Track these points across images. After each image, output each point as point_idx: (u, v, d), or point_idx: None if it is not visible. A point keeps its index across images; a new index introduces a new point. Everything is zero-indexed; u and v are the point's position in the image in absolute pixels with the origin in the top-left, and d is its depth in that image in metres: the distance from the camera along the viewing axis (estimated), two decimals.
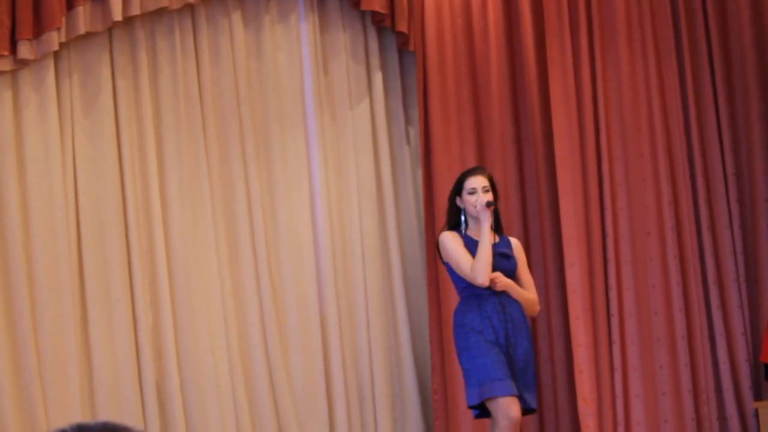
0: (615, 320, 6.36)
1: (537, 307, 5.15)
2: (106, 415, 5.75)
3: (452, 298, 6.38)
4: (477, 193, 4.98)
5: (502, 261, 4.99)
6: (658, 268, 6.43)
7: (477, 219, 5.00)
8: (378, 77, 6.65)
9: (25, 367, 5.59)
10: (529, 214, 6.60)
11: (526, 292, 5.05)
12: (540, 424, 6.47)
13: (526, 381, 4.91)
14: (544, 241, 6.52)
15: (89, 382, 5.79)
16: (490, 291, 4.93)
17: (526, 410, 4.93)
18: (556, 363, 6.46)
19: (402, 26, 6.56)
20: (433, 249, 6.43)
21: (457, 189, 5.06)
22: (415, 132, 6.79)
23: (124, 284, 5.89)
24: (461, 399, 6.32)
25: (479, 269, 4.87)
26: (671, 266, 6.42)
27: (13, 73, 5.74)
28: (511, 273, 5.03)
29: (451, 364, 6.33)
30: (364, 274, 6.47)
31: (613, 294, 6.38)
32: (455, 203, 5.07)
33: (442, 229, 5.13)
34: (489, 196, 4.96)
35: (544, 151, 6.57)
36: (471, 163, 6.55)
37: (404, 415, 6.46)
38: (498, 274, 4.91)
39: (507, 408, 4.75)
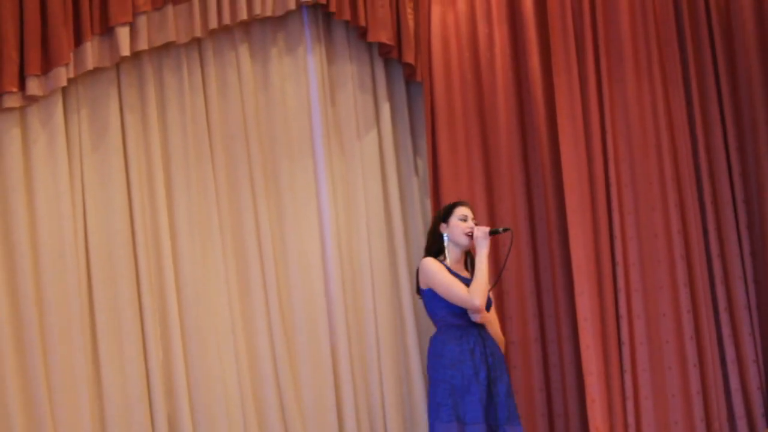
0: (626, 348, 6.34)
1: (503, 348, 5.21)
2: None
3: None
4: (467, 220, 5.00)
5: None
6: (669, 296, 6.42)
7: (460, 247, 5.02)
8: (386, 108, 6.66)
9: (36, 403, 5.58)
10: (539, 243, 6.59)
11: (498, 330, 5.15)
12: None
13: (509, 414, 4.87)
14: (554, 270, 6.52)
15: (101, 416, 5.78)
16: (470, 322, 4.92)
17: None
18: (567, 392, 6.44)
19: (409, 57, 6.58)
20: None
21: (445, 216, 5.07)
22: (423, 162, 6.79)
23: (134, 318, 5.88)
24: None
25: (477, 290, 4.87)
26: (681, 294, 6.41)
27: (22, 109, 5.75)
28: (488, 307, 5.10)
29: None
30: (374, 304, 6.47)
31: (623, 322, 6.36)
32: (438, 230, 5.06)
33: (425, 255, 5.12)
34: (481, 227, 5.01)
35: (553, 180, 6.57)
36: (480, 192, 6.57)
37: None
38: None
39: None
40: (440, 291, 4.93)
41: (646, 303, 6.42)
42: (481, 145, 6.65)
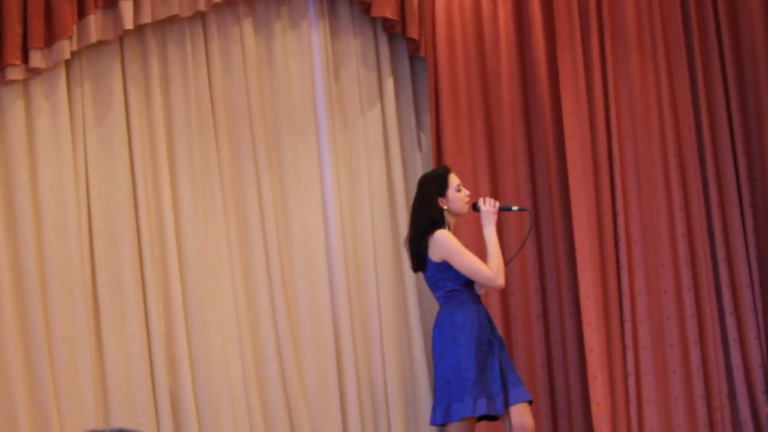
0: (628, 325, 6.35)
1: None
2: (120, 422, 5.75)
3: None
4: (462, 189, 4.92)
5: None
6: (671, 273, 6.43)
7: (458, 217, 4.94)
8: (389, 83, 6.64)
9: (38, 376, 5.59)
10: (541, 219, 6.59)
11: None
12: (554, 430, 6.47)
13: (516, 377, 4.82)
14: (556, 246, 6.52)
15: (103, 390, 5.79)
16: (474, 295, 4.86)
17: (529, 403, 4.86)
18: (569, 368, 6.46)
19: (413, 32, 6.56)
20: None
21: (440, 188, 4.94)
22: (427, 138, 6.78)
23: (137, 293, 5.89)
24: None
25: (501, 270, 4.79)
26: (683, 271, 6.42)
27: (25, 82, 5.74)
28: None
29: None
30: (376, 280, 6.46)
31: (626, 299, 6.37)
32: (436, 205, 4.93)
33: (415, 230, 4.96)
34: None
35: (556, 156, 6.57)
36: (483, 168, 6.56)
37: (417, 422, 6.45)
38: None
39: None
40: (460, 267, 4.82)
41: (648, 280, 6.43)
42: (484, 121, 6.64)
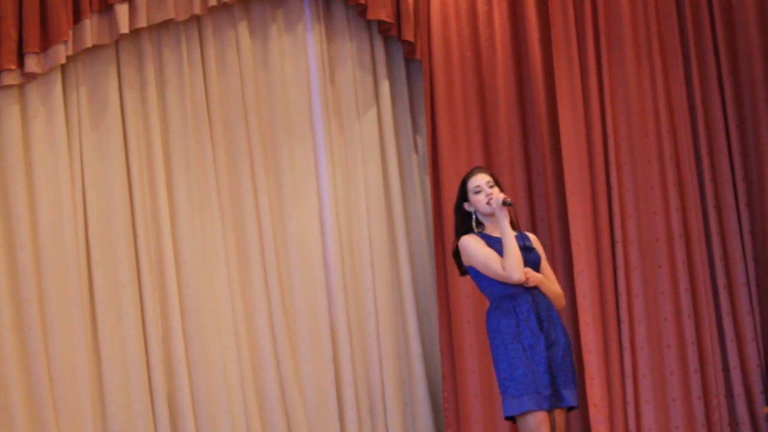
0: (625, 326, 6.35)
1: (563, 301, 5.01)
2: (117, 426, 5.76)
3: (462, 305, 6.40)
4: (483, 189, 4.88)
5: (528, 255, 4.85)
6: (668, 274, 6.42)
7: (491, 216, 4.91)
8: (385, 86, 6.65)
9: (35, 380, 5.59)
10: (538, 221, 6.59)
11: (554, 285, 4.93)
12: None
13: (566, 378, 4.76)
14: (553, 248, 6.52)
15: (100, 394, 5.80)
16: (522, 289, 4.80)
17: (568, 408, 4.83)
18: None
19: (408, 35, 6.56)
20: (442, 257, 6.43)
21: (462, 194, 4.96)
22: (423, 140, 6.79)
23: (133, 296, 5.89)
24: (472, 407, 6.33)
25: (513, 266, 4.72)
26: (680, 272, 6.41)
27: (21, 86, 5.75)
28: (537, 266, 4.89)
29: (462, 373, 6.33)
30: (373, 283, 6.47)
31: (622, 300, 6.37)
32: (463, 209, 4.96)
33: (456, 239, 5.00)
34: (496, 190, 4.84)
35: (552, 158, 6.57)
36: None
37: (415, 423, 6.45)
38: (529, 270, 4.79)
39: (537, 428, 4.69)
40: (477, 267, 4.84)
41: (645, 281, 6.42)
42: (480, 124, 6.64)
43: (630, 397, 6.30)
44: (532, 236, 5.00)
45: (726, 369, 6.46)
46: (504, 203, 4.77)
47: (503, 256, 4.77)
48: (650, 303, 6.41)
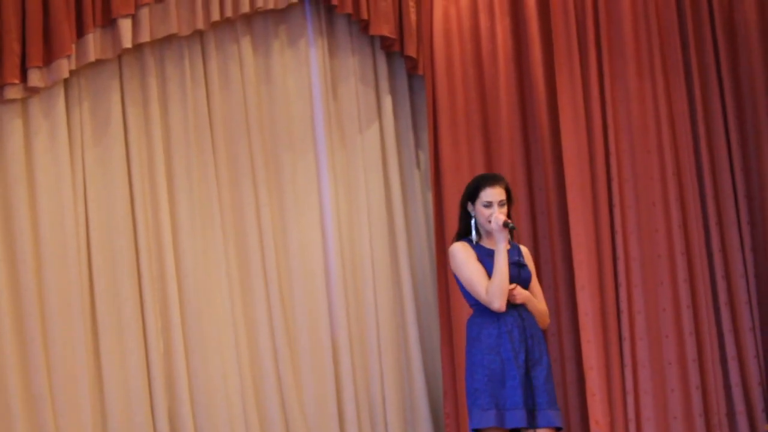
0: (627, 343, 6.34)
1: (548, 320, 4.89)
2: None
3: (464, 320, 6.33)
4: (493, 206, 4.75)
5: (518, 271, 4.73)
6: (669, 291, 6.41)
7: (489, 234, 4.78)
8: (387, 101, 6.66)
9: (37, 395, 5.59)
10: (540, 237, 6.59)
11: (540, 303, 4.81)
12: None
13: (549, 399, 4.70)
14: (555, 265, 6.51)
15: (101, 408, 5.79)
16: (509, 304, 4.70)
17: (556, 429, 4.76)
18: (568, 386, 6.45)
19: (411, 51, 6.57)
20: (444, 272, 6.43)
21: (471, 195, 4.79)
22: (425, 155, 6.79)
23: (135, 310, 5.89)
24: None
25: (496, 293, 4.58)
26: (682, 289, 6.40)
27: (24, 100, 5.76)
28: (527, 283, 4.77)
29: (463, 389, 6.30)
30: (375, 298, 6.47)
31: (624, 317, 6.36)
32: (466, 208, 4.79)
33: (454, 238, 4.84)
34: (504, 212, 4.66)
35: (554, 173, 6.57)
36: None
37: None
38: (516, 287, 4.65)
39: None
40: (461, 280, 4.73)
41: (647, 298, 6.41)
42: (482, 139, 6.64)
43: (631, 415, 6.28)
44: (524, 250, 4.86)
45: (727, 386, 6.44)
46: (505, 225, 4.63)
47: (490, 280, 4.64)
48: (652, 320, 6.40)
